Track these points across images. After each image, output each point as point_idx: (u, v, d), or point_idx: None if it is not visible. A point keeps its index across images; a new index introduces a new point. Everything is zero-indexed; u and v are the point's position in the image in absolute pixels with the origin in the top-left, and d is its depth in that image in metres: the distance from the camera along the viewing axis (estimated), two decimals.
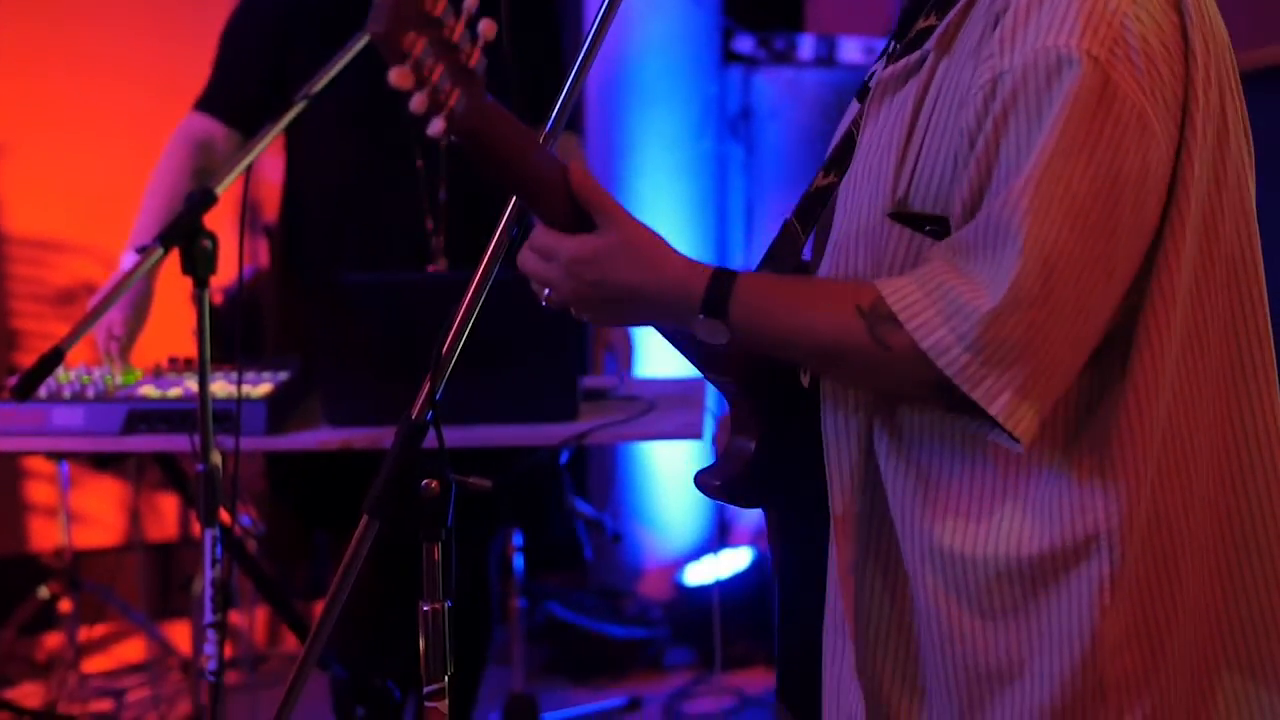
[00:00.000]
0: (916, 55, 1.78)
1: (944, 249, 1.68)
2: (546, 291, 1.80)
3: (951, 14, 1.76)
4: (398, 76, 1.62)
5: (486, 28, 1.67)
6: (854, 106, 1.94)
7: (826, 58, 5.32)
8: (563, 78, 3.58)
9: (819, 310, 1.71)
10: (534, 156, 1.76)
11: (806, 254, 1.93)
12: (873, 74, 1.93)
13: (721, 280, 1.73)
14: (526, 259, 1.80)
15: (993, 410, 1.63)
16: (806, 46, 5.34)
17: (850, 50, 5.34)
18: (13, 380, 3.88)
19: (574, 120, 4.18)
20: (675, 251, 1.76)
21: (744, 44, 5.35)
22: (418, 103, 1.64)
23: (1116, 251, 1.64)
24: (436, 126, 1.66)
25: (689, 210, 5.26)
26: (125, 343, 3.07)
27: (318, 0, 3.35)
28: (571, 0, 5.28)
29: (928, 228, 1.72)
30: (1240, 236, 1.76)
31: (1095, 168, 1.62)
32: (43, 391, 2.87)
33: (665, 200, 5.22)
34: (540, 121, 3.61)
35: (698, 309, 1.73)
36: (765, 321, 1.73)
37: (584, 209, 1.76)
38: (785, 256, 1.91)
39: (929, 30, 1.79)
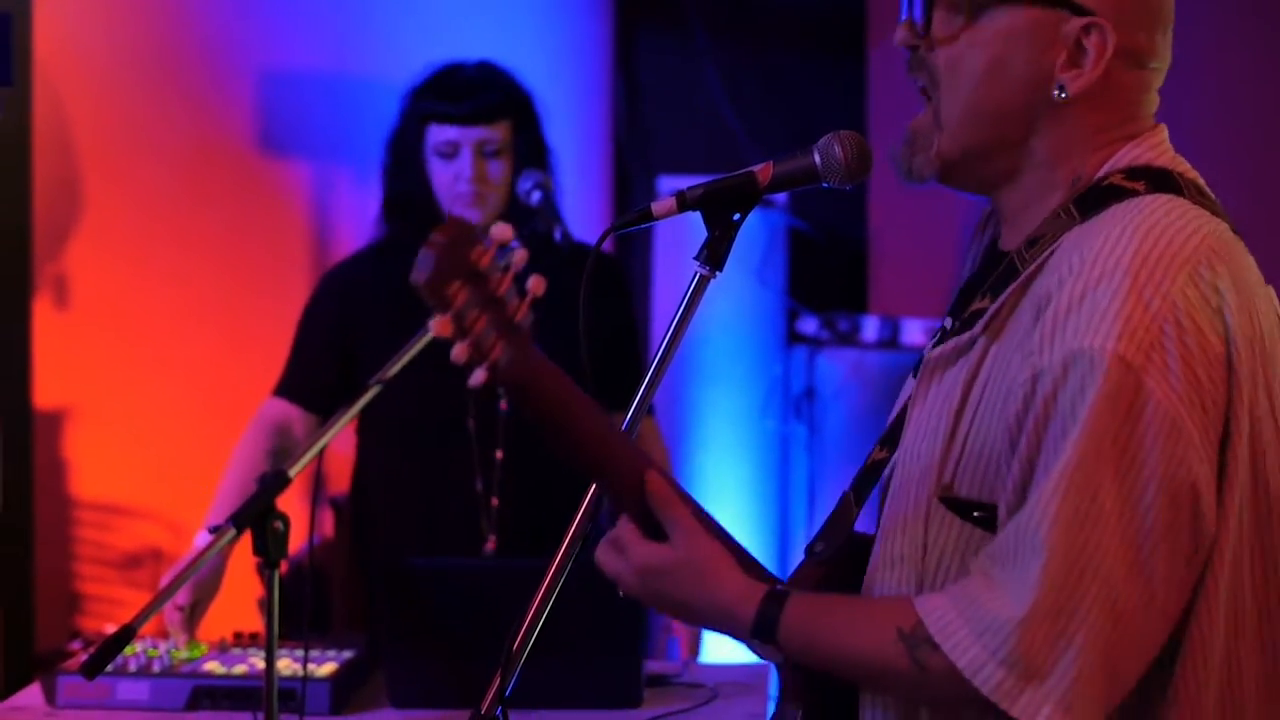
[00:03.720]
0: (967, 336, 1.80)
1: (984, 559, 1.70)
2: None
3: (1003, 298, 1.77)
4: (439, 325, 1.68)
5: (535, 284, 1.73)
6: (910, 383, 1.97)
7: (890, 339, 5.38)
8: (631, 352, 3.63)
9: (862, 636, 1.74)
10: (590, 421, 1.79)
11: (862, 524, 1.95)
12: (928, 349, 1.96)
13: (770, 606, 1.78)
14: (604, 553, 1.86)
15: None
16: (870, 328, 5.41)
17: (913, 332, 5.40)
18: (76, 644, 3.89)
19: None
20: (737, 572, 1.82)
21: (808, 325, 5.43)
22: (459, 352, 1.70)
23: (1152, 560, 1.63)
24: (478, 377, 1.72)
25: (751, 489, 5.29)
26: (190, 614, 3.09)
27: (387, 287, 3.43)
28: (639, 274, 5.38)
29: (975, 514, 1.74)
30: None
31: (1122, 475, 1.62)
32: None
33: (728, 478, 5.25)
34: (610, 400, 3.60)
35: (748, 633, 1.79)
36: (812, 646, 1.78)
37: (657, 518, 1.80)
38: (839, 529, 1.93)
39: (982, 312, 1.80)
